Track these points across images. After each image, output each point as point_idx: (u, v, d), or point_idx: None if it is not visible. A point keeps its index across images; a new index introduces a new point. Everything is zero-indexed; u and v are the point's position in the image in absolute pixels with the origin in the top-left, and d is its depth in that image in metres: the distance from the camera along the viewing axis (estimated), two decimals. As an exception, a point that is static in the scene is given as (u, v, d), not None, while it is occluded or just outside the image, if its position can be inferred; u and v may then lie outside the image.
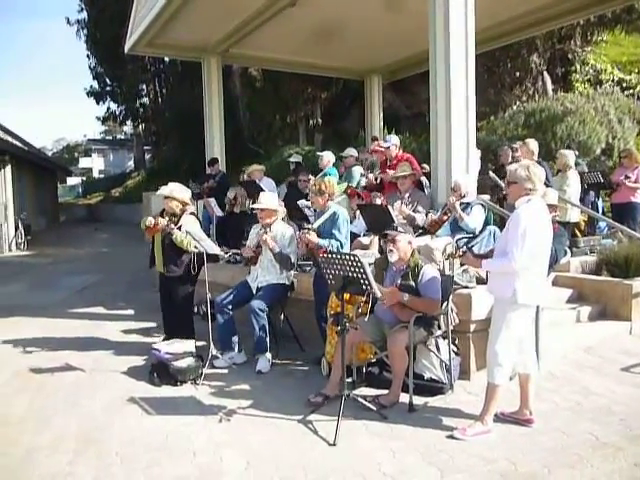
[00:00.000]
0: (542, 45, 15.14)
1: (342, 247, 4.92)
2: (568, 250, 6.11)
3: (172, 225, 5.28)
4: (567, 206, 6.79)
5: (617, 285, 5.65)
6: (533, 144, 6.86)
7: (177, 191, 5.44)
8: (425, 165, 6.58)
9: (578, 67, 16.53)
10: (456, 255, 3.85)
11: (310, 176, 7.79)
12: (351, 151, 8.07)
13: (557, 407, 3.90)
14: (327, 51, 10.37)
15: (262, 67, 16.03)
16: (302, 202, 6.40)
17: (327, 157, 7.86)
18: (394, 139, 6.91)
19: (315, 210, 5.91)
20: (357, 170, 7.64)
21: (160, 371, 4.74)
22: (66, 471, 3.29)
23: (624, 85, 15.76)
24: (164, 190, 5.43)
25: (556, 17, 9.10)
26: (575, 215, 7.08)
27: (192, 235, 5.06)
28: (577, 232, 7.38)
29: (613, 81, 16.12)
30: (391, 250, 4.17)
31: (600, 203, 8.49)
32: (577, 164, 8.00)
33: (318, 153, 8.35)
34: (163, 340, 5.39)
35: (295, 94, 18.70)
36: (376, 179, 6.82)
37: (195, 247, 5.13)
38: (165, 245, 5.35)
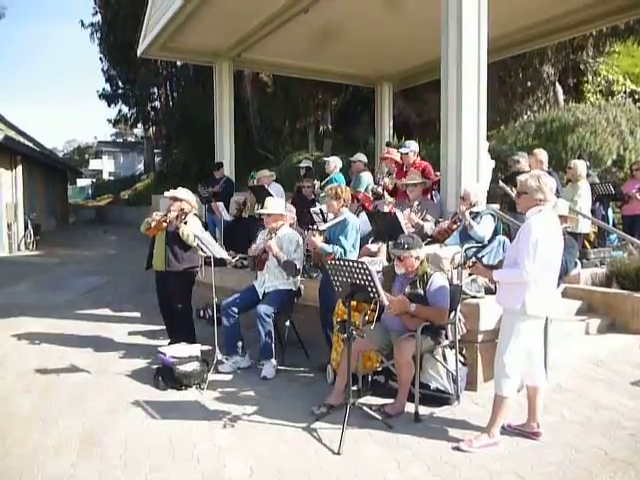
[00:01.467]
0: (554, 55, 15.11)
1: (345, 254, 4.90)
2: (578, 262, 6.06)
3: (183, 216, 5.40)
4: (578, 217, 6.73)
5: (627, 298, 5.59)
6: (542, 154, 6.80)
7: (186, 194, 5.57)
8: (437, 173, 6.55)
9: (590, 78, 16.48)
10: (466, 266, 3.81)
11: (316, 181, 7.78)
12: (360, 156, 8.06)
13: (566, 420, 3.84)
14: (338, 58, 10.40)
15: (273, 72, 16.07)
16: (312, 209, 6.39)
17: (334, 162, 7.84)
18: (413, 145, 6.80)
19: (324, 217, 5.90)
20: (365, 176, 7.62)
21: (165, 375, 4.73)
22: (70, 473, 3.28)
23: (636, 96, 15.70)
24: (178, 193, 5.49)
25: (569, 28, 9.08)
26: (586, 226, 7.01)
27: (200, 239, 5.07)
28: (587, 244, 7.31)
29: (625, 92, 16.07)
30: (397, 265, 4.17)
31: (611, 215, 8.42)
32: (588, 175, 7.94)
33: (325, 158, 8.34)
34: (169, 344, 5.40)
35: (305, 100, 18.76)
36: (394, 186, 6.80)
37: (202, 250, 5.14)
38: (169, 240, 5.40)
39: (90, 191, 48.60)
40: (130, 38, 17.19)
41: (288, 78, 15.61)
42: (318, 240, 4.95)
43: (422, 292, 4.08)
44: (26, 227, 17.19)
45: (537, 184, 3.41)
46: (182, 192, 5.57)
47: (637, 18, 11.65)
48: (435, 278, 4.09)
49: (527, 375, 3.61)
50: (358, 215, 6.02)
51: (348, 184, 7.60)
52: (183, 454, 3.49)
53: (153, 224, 5.45)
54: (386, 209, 6.26)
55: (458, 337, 4.21)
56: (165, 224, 5.42)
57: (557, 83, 16.01)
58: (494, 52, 8.05)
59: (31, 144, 22.02)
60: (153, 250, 5.62)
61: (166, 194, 5.58)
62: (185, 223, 5.39)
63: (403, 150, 6.79)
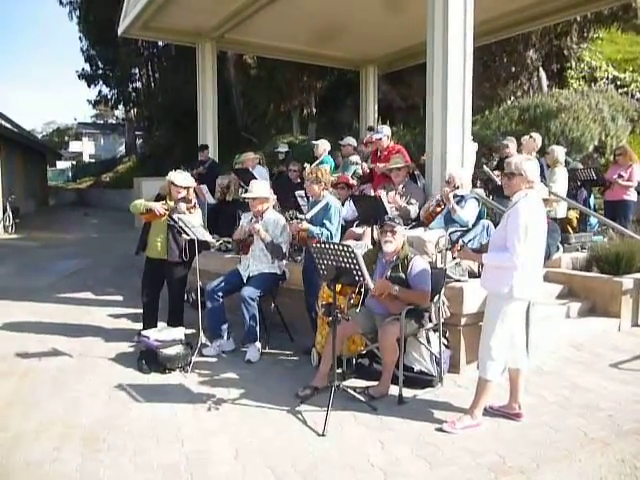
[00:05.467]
0: (538, 41, 15.13)
1: (332, 237, 4.90)
2: (560, 246, 6.14)
3: (192, 208, 5.24)
4: (554, 201, 6.80)
5: (607, 282, 5.68)
6: (539, 139, 6.90)
7: (192, 181, 5.41)
8: (423, 158, 6.56)
9: (573, 64, 16.56)
10: (454, 250, 3.82)
11: (306, 164, 7.74)
12: (350, 140, 8.02)
13: (546, 402, 3.91)
14: (323, 40, 10.27)
15: (257, 54, 15.87)
16: (297, 192, 6.37)
17: (323, 145, 7.79)
18: (386, 130, 6.86)
19: (308, 199, 5.88)
20: (353, 160, 7.59)
21: (149, 358, 4.70)
22: (52, 457, 3.25)
23: (618, 83, 15.82)
24: (187, 180, 5.32)
25: (553, 13, 9.07)
26: (562, 211, 7.09)
27: (184, 222, 5.00)
28: (569, 228, 7.40)
29: (608, 79, 16.18)
30: (388, 241, 4.14)
31: (592, 200, 8.51)
32: (567, 162, 8.01)
33: (313, 142, 8.28)
34: (143, 329, 5.32)
35: (290, 83, 18.57)
36: (371, 170, 6.79)
37: (185, 233, 5.06)
38: (173, 230, 5.21)
39: (70, 173, 47.85)
40: (110, 16, 16.82)
41: (272, 60, 15.42)
42: (305, 223, 4.93)
43: (404, 276, 4.09)
44: (4, 210, 16.87)
45: (525, 167, 3.43)
46: (189, 179, 5.34)
47: (620, 4, 11.74)
48: (415, 261, 4.10)
49: (509, 358, 3.65)
50: (344, 202, 6.00)
51: (337, 168, 7.58)
52: (167, 437, 3.49)
53: (156, 210, 5.16)
54: (372, 192, 6.25)
55: (442, 320, 4.24)
56: (167, 213, 5.18)
57: (541, 69, 16.06)
58: (479, 36, 8.00)
59: (9, 125, 21.57)
60: (147, 235, 5.39)
61: (171, 178, 5.26)
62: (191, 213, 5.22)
63: (377, 135, 6.79)
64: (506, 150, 7.13)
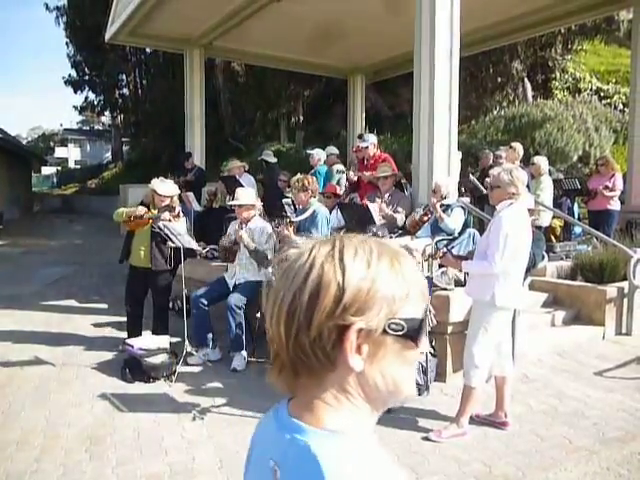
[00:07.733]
0: (524, 52, 15.37)
1: None
2: (545, 255, 6.18)
3: (176, 216, 5.19)
4: (541, 210, 6.87)
5: (591, 290, 5.72)
6: (520, 148, 6.97)
7: (175, 189, 5.38)
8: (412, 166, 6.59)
9: (558, 75, 16.83)
10: (436, 256, 3.84)
11: (299, 175, 7.74)
12: (332, 149, 8.04)
13: (532, 410, 3.92)
14: (311, 48, 10.32)
15: (245, 62, 15.90)
16: (284, 200, 6.37)
17: (318, 155, 7.78)
18: (372, 138, 6.87)
19: (296, 209, 5.88)
20: (337, 168, 7.62)
21: (132, 367, 4.64)
22: (33, 468, 3.19)
23: (602, 94, 16.08)
24: (170, 189, 5.27)
25: (538, 24, 9.23)
26: (547, 219, 7.16)
27: (169, 229, 4.96)
28: (553, 237, 7.47)
29: (591, 90, 16.44)
30: None
31: (576, 209, 8.61)
32: (550, 172, 8.12)
33: (308, 151, 8.27)
34: (127, 338, 5.24)
35: (278, 90, 18.63)
36: (358, 178, 6.81)
37: (171, 240, 5.02)
38: (157, 238, 5.15)
39: (55, 179, 47.38)
40: (98, 22, 16.74)
41: (261, 68, 15.49)
42: (291, 233, 4.94)
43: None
44: (-13, 216, 16.66)
45: (510, 178, 3.46)
46: (172, 187, 5.31)
47: (604, 17, 11.96)
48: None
49: (495, 366, 3.66)
50: (331, 211, 6.01)
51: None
52: (151, 447, 3.44)
53: (133, 217, 5.12)
54: (359, 201, 6.27)
55: (428, 329, 4.24)
56: (150, 221, 5.12)
57: (526, 79, 16.29)
58: (466, 47, 8.04)
59: (-7, 130, 21.34)
60: (130, 244, 5.32)
61: (153, 187, 5.19)
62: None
63: (363, 144, 6.78)
64: (499, 160, 7.23)
